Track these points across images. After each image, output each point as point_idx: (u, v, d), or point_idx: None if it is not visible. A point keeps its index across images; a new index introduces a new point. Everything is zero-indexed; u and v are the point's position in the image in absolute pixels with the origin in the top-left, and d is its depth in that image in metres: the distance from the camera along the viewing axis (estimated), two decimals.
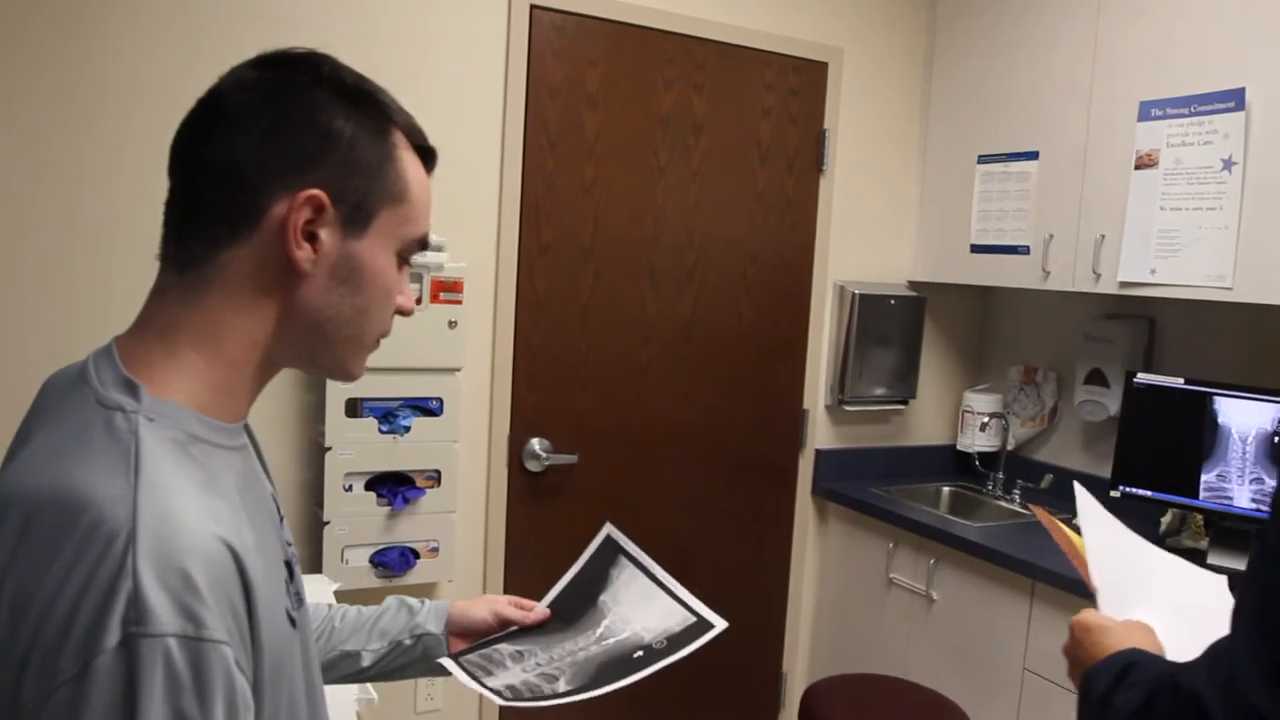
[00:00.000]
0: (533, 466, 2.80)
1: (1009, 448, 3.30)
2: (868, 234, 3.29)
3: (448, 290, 2.55)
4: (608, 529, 1.35)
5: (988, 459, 3.33)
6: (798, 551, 3.26)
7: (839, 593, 3.20)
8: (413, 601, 1.25)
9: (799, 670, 3.29)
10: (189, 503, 0.69)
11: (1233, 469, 2.45)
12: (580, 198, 2.82)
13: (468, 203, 2.66)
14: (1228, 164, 2.41)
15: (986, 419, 3.27)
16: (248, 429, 0.91)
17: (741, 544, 3.17)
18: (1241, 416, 2.44)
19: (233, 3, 2.33)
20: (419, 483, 2.56)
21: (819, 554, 3.30)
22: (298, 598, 0.87)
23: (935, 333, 3.43)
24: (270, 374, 0.85)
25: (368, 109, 0.82)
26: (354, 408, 2.47)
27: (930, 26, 3.31)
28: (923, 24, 3.31)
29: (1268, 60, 2.33)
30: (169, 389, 0.76)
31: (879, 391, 3.27)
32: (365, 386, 2.47)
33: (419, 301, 2.49)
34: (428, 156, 0.89)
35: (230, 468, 0.79)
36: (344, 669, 1.19)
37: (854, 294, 3.18)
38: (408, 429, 2.52)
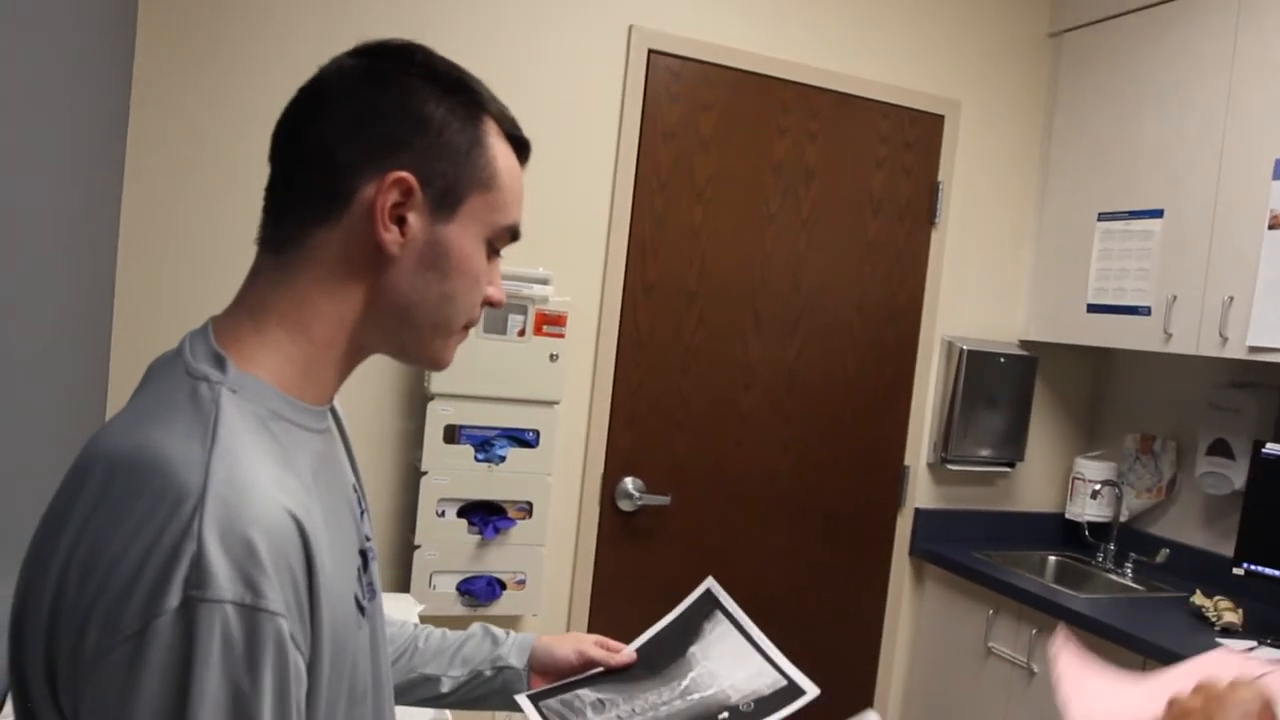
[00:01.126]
0: (625, 506, 2.78)
1: (1122, 519, 3.13)
2: (979, 290, 3.21)
3: (551, 323, 2.56)
4: (709, 582, 1.31)
5: (1098, 530, 3.17)
6: (891, 613, 3.15)
7: (934, 659, 3.07)
8: (498, 631, 1.23)
9: None
10: (260, 474, 0.70)
11: None
12: (688, 240, 2.82)
13: (576, 238, 2.69)
14: None
15: (1099, 487, 3.12)
16: (336, 417, 0.92)
17: (833, 601, 3.07)
18: None
19: (370, 12, 2.43)
20: (510, 513, 2.56)
21: (914, 618, 3.18)
22: (370, 589, 0.86)
23: (1047, 394, 3.31)
24: (358, 358, 0.85)
25: (459, 95, 0.83)
26: (452, 434, 2.50)
27: (1051, 81, 3.24)
28: (1044, 79, 3.24)
29: None
30: (255, 365, 0.77)
31: (984, 452, 3.16)
32: (464, 414, 2.49)
33: (522, 333, 2.52)
34: (521, 147, 0.89)
35: (308, 448, 0.80)
36: (422, 692, 1.17)
37: (962, 350, 3.09)
38: (503, 459, 2.53)
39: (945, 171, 3.12)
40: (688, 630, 1.26)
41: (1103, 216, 3.01)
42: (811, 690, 1.17)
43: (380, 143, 0.79)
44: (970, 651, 2.91)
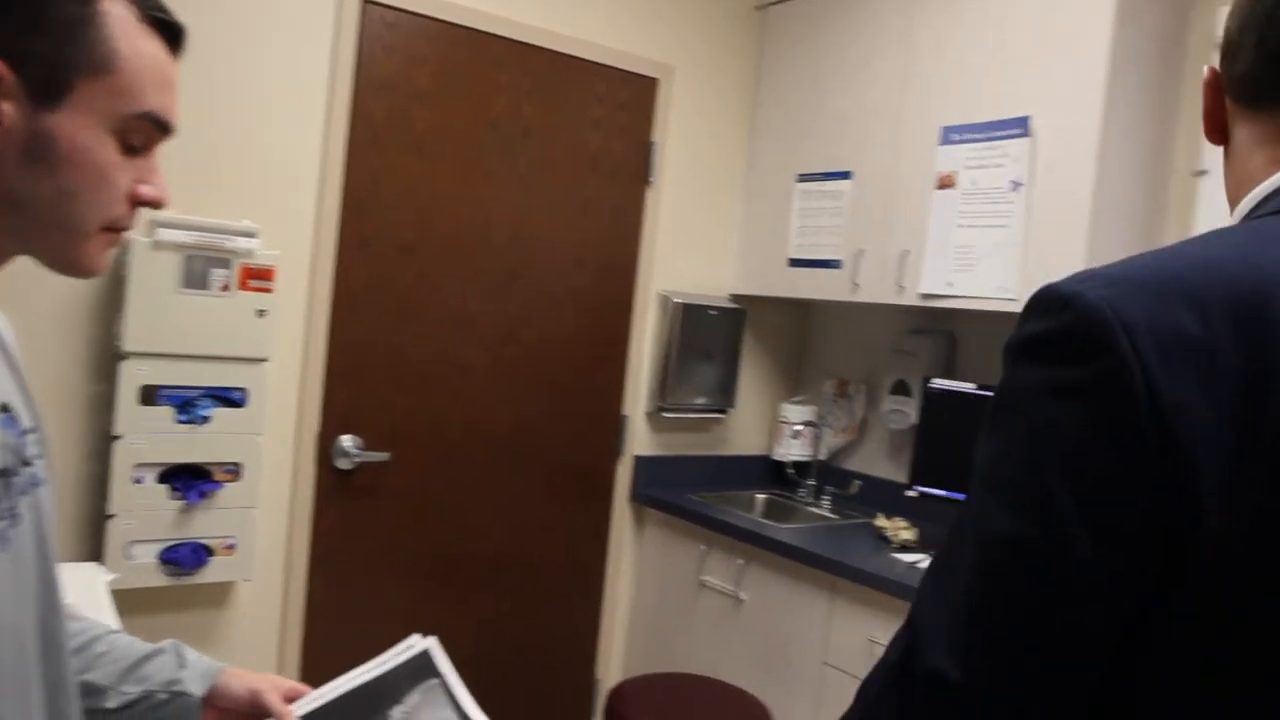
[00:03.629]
0: (343, 464, 2.72)
1: (821, 457, 3.41)
2: (692, 246, 3.36)
3: (257, 277, 2.46)
4: (429, 642, 1.21)
5: (801, 468, 3.43)
6: (614, 557, 3.27)
7: (653, 598, 3.23)
8: (190, 654, 1.12)
9: (613, 676, 3.29)
10: None
11: None
12: (405, 194, 2.78)
13: (285, 190, 2.58)
14: (1015, 185, 2.58)
15: (800, 428, 3.37)
16: None
17: (557, 549, 3.15)
18: None
19: None
20: (217, 476, 2.44)
21: (635, 560, 3.32)
22: (10, 513, 0.80)
23: (755, 345, 3.53)
24: None
25: None
26: (150, 395, 2.35)
27: (758, 51, 3.44)
28: (752, 47, 3.43)
29: (1048, 91, 2.52)
30: None
31: (699, 401, 3.33)
32: (162, 373, 2.35)
33: (226, 288, 2.40)
34: (168, 31, 0.82)
35: None
36: (87, 703, 1.04)
37: (676, 304, 3.24)
38: (207, 419, 2.41)
39: (659, 133, 3.24)
40: (395, 690, 1.17)
41: (801, 178, 3.24)
42: None
43: None
44: (686, 586, 3.08)
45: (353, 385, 2.73)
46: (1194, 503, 0.61)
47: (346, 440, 2.72)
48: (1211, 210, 2.54)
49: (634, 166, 3.21)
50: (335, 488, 2.73)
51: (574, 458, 3.16)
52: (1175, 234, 2.62)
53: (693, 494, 3.25)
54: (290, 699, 1.13)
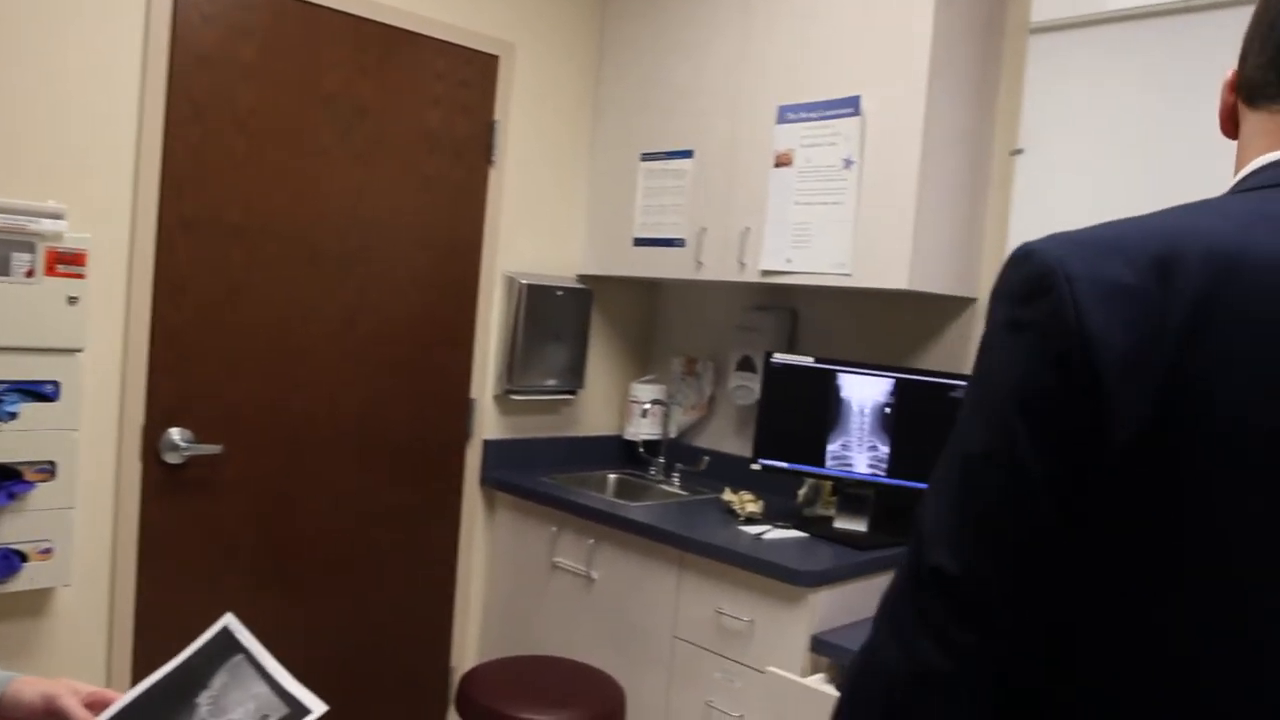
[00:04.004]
0: (172, 458, 2.58)
1: (671, 435, 3.44)
2: (538, 227, 3.33)
3: (67, 262, 2.30)
4: (227, 619, 1.20)
5: (652, 446, 3.46)
6: (465, 543, 3.23)
7: (507, 582, 3.20)
8: None
9: (468, 663, 3.25)
10: None
11: (853, 439, 2.69)
12: (231, 174, 2.65)
13: (97, 170, 2.42)
14: (847, 163, 2.65)
15: (648, 407, 3.40)
16: None
17: (407, 537, 3.09)
18: (860, 391, 2.69)
19: None
20: (29, 476, 2.28)
21: (488, 544, 3.29)
22: None
23: (603, 325, 3.53)
24: None
25: None
26: None
27: (600, 28, 3.42)
28: (595, 25, 3.41)
29: (877, 72, 2.60)
30: None
31: (548, 382, 3.31)
32: None
33: (31, 274, 2.24)
34: None
35: None
36: None
37: (522, 285, 3.20)
38: (14, 415, 2.24)
39: (501, 111, 3.19)
40: (200, 675, 1.15)
41: (645, 157, 3.24)
42: (318, 708, 1.11)
43: None
44: (538, 568, 3.07)
45: (180, 375, 2.60)
46: (1105, 417, 0.75)
47: (175, 433, 2.59)
48: (1027, 187, 2.67)
49: (476, 146, 3.15)
50: (164, 483, 2.59)
51: (422, 443, 3.09)
52: (996, 209, 2.75)
53: (544, 476, 3.23)
54: (91, 703, 1.07)
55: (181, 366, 2.60)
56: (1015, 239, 2.68)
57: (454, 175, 3.10)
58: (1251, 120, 0.90)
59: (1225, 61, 2.32)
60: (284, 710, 1.10)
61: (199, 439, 2.62)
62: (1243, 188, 0.87)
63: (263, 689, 1.12)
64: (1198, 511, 0.74)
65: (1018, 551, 0.78)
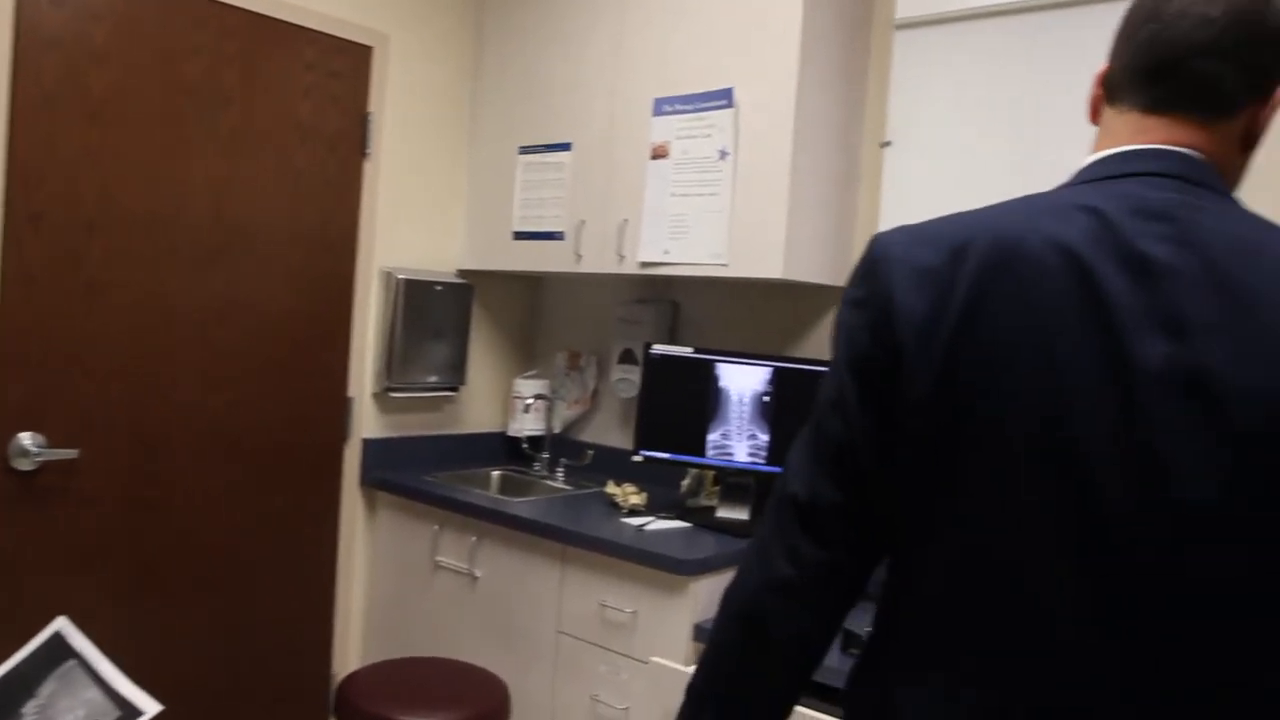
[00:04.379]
0: (23, 465, 2.45)
1: (555, 430, 3.42)
2: (416, 221, 3.27)
3: None
4: (60, 622, 1.15)
5: (536, 442, 3.43)
6: (345, 545, 3.15)
7: (389, 583, 3.13)
8: None
9: (350, 667, 3.17)
10: None
11: (733, 428, 2.72)
12: (84, 164, 2.52)
13: None
14: (723, 154, 2.68)
15: (531, 402, 3.37)
16: None
17: (283, 541, 2.99)
18: (739, 380, 2.72)
19: None
20: None
21: (369, 547, 3.21)
22: None
23: (485, 320, 3.49)
24: None
25: None
26: None
27: (477, 18, 3.37)
28: (471, 15, 3.36)
29: (749, 65, 2.63)
30: None
31: (429, 379, 3.26)
32: None
33: None
34: None
35: None
36: None
37: (399, 280, 3.14)
38: None
39: (376, 103, 3.12)
40: (28, 682, 1.10)
41: (523, 150, 3.21)
42: (151, 709, 1.07)
43: None
44: (421, 568, 3.01)
45: (31, 376, 2.46)
46: (906, 375, 0.93)
47: (26, 438, 2.45)
48: (896, 178, 2.74)
49: (350, 138, 3.07)
50: (15, 492, 2.45)
51: (297, 444, 3.00)
52: (866, 199, 2.81)
53: (427, 474, 3.17)
54: None
55: (32, 367, 2.46)
56: (885, 228, 2.74)
57: (327, 168, 3.02)
58: (1107, 115, 1.00)
59: (1079, 56, 2.42)
60: (115, 714, 1.05)
61: (52, 443, 2.49)
62: (1076, 180, 0.97)
63: (94, 694, 1.07)
64: (957, 455, 0.91)
65: (852, 481, 0.98)
